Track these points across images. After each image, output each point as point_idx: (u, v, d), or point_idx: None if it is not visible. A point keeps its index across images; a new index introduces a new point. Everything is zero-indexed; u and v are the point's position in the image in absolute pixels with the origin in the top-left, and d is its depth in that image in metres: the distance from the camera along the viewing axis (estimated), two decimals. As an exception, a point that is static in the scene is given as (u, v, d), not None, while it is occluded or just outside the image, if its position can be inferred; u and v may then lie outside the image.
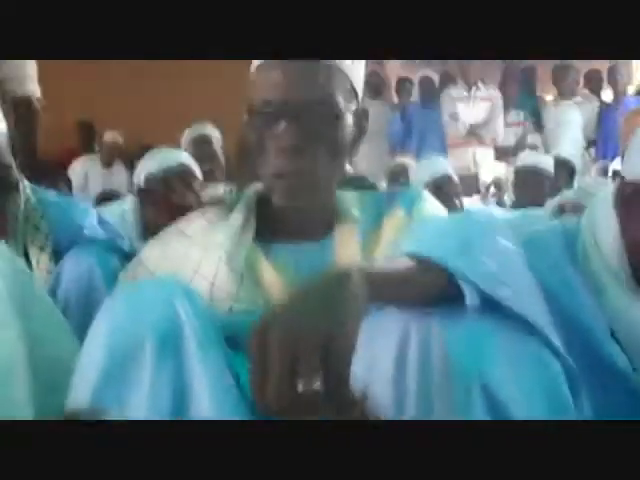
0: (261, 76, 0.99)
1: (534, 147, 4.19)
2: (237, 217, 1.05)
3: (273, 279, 1.00)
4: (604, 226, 1.07)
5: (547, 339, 0.79)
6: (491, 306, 0.79)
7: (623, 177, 1.07)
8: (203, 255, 1.02)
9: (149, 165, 1.82)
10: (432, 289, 0.78)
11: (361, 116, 1.05)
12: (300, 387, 0.61)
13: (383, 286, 0.73)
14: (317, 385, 0.62)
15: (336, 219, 1.07)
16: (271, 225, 1.06)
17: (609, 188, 1.15)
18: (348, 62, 1.00)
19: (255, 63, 1.01)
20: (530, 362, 0.75)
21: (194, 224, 1.08)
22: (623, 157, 1.34)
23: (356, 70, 1.02)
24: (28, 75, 2.02)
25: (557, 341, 0.80)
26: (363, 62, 1.05)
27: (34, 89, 2.04)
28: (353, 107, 1.01)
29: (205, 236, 1.04)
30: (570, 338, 0.87)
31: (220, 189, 1.09)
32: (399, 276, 0.76)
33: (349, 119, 1.00)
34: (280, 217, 1.05)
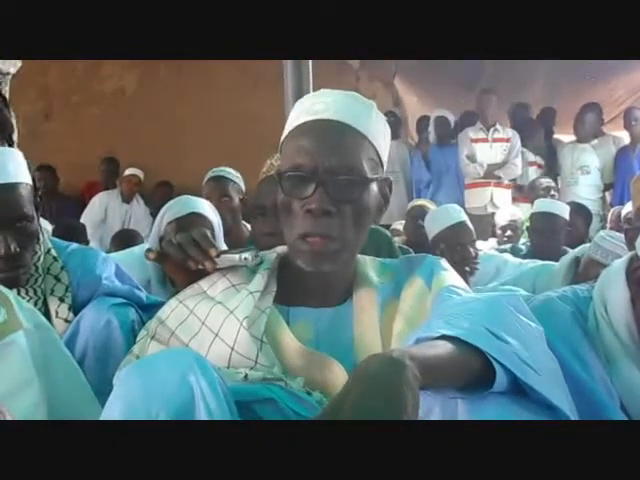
0: (292, 142, 1.03)
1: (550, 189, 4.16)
2: (259, 281, 1.06)
3: (292, 344, 1.01)
4: (615, 298, 1.09)
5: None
6: (517, 388, 0.81)
7: (636, 254, 1.09)
8: (224, 319, 1.02)
9: (166, 220, 1.84)
10: (467, 372, 0.80)
11: (385, 185, 1.08)
12: None
13: (431, 370, 0.75)
14: None
15: (355, 284, 1.09)
16: (292, 288, 1.07)
17: (623, 257, 1.17)
18: (374, 133, 1.03)
19: (287, 130, 1.06)
20: None
21: (216, 286, 1.09)
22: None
23: (382, 141, 1.05)
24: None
25: None
26: (389, 134, 1.09)
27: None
28: (378, 176, 1.04)
29: (227, 299, 1.05)
30: (579, 407, 0.88)
31: (235, 257, 1.09)
32: (443, 360, 0.78)
33: (374, 187, 1.04)
34: (301, 281, 1.06)
